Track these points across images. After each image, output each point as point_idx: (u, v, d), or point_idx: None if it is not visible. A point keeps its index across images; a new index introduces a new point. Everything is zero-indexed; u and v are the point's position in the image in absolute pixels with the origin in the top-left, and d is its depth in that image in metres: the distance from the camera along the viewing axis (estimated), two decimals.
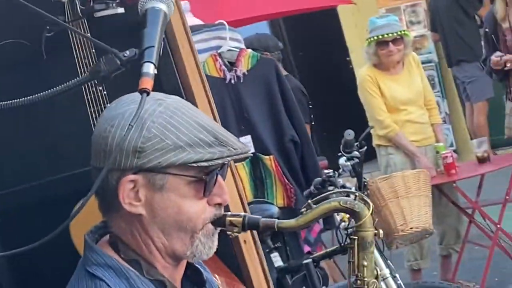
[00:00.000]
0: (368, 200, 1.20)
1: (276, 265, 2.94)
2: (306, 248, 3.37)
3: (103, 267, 1.12)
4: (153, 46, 1.08)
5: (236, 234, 1.19)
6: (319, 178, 2.90)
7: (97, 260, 1.13)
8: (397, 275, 2.89)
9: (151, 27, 1.14)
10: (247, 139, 3.22)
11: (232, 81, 3.39)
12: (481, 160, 4.27)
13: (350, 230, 2.03)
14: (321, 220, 3.26)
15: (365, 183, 3.16)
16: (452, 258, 4.16)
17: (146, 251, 1.12)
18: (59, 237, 1.07)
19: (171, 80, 2.23)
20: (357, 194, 1.18)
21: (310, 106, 4.71)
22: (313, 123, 4.66)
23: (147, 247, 1.13)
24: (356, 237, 1.13)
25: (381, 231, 1.60)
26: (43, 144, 2.39)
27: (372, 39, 4.09)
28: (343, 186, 3.03)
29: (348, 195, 1.22)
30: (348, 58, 8.94)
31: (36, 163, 2.45)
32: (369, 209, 1.13)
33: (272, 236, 3.05)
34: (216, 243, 1.18)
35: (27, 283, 2.46)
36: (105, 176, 1.04)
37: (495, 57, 4.24)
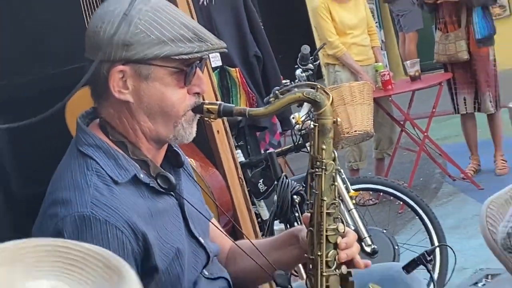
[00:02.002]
0: (328, 92, 1.26)
1: (238, 160, 2.81)
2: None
3: (93, 147, 1.19)
4: None
5: (213, 120, 1.34)
6: (278, 87, 2.81)
7: (88, 140, 1.19)
8: (342, 170, 2.94)
9: None
10: (216, 54, 3.13)
11: (205, 3, 3.37)
12: (413, 78, 4.50)
13: (312, 116, 2.05)
14: (279, 125, 3.52)
15: None
16: (385, 161, 4.48)
17: (132, 134, 1.19)
18: (55, 119, 1.24)
19: None
20: (318, 86, 1.27)
21: None
22: None
23: (133, 131, 1.19)
24: (317, 124, 1.23)
25: (339, 119, 1.63)
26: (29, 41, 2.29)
27: None
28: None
29: (311, 88, 1.28)
30: None
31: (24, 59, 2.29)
32: (328, 100, 1.22)
33: (236, 136, 3.09)
34: (195, 129, 1.27)
35: (24, 157, 2.49)
36: (97, 67, 1.10)
37: None
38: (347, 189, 2.99)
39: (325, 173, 1.27)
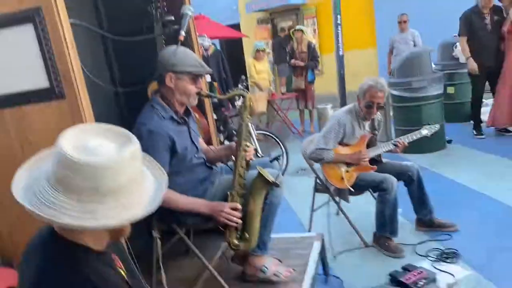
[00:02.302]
0: (248, 93, 2.42)
1: (213, 116, 3.37)
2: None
3: (156, 103, 2.23)
4: (184, 25, 2.44)
5: (204, 97, 2.60)
6: (230, 89, 3.38)
7: (154, 101, 2.25)
8: (252, 124, 6.54)
9: (184, 19, 2.47)
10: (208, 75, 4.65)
11: (205, 55, 5.57)
12: (283, 94, 8.24)
13: (242, 101, 2.41)
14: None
15: None
16: (271, 125, 7.41)
17: (172, 100, 2.24)
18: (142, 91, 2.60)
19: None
20: (246, 92, 2.48)
21: None
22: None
23: (172, 99, 2.23)
24: (243, 104, 2.35)
25: (252, 103, 4.76)
26: None
27: None
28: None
29: (243, 91, 2.47)
30: None
31: None
32: (248, 96, 2.36)
33: (214, 108, 4.26)
34: (196, 101, 2.34)
35: (126, 68, 2.90)
36: (162, 73, 2.17)
37: None
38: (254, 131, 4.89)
39: (245, 123, 2.33)
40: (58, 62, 1.76)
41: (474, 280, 2.66)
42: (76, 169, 0.99)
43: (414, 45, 6.85)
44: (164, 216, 2.31)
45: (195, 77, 2.23)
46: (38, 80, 1.78)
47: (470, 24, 5.14)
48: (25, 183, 1.06)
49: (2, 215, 1.98)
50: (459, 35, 5.35)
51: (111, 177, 1.01)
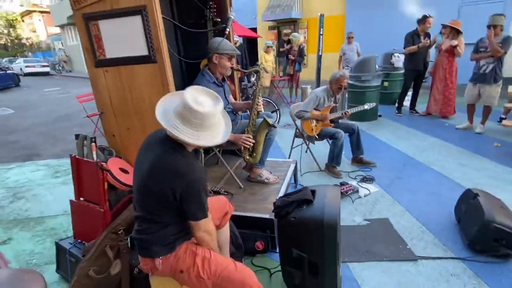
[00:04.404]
0: (261, 69, 2.35)
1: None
2: None
3: (205, 72, 2.24)
4: (229, 25, 2.41)
5: (236, 70, 2.42)
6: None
7: (204, 70, 2.25)
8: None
9: (229, 21, 2.43)
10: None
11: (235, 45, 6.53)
12: (283, 76, 8.08)
13: (256, 76, 2.38)
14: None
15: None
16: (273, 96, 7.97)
17: (215, 70, 2.22)
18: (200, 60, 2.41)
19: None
20: (259, 69, 2.34)
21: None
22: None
23: (216, 70, 2.22)
24: (257, 77, 2.34)
25: (263, 77, 5.44)
26: None
27: None
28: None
29: (257, 68, 2.36)
30: None
31: None
32: (260, 72, 2.33)
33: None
34: (230, 72, 2.28)
35: (187, 45, 2.69)
36: (210, 54, 2.16)
37: None
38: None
39: (258, 88, 2.32)
40: (154, 39, 1.79)
41: (379, 193, 2.87)
42: (192, 112, 1.13)
43: (357, 52, 6.53)
44: None
45: (230, 57, 2.25)
46: (142, 50, 1.82)
47: (412, 41, 4.94)
48: (162, 110, 1.17)
49: (116, 127, 2.01)
50: (404, 47, 5.06)
51: (209, 119, 1.14)
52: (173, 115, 1.14)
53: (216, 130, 1.17)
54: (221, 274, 1.24)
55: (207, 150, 2.80)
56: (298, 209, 1.48)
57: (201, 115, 1.12)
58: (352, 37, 6.76)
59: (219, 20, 2.53)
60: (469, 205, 2.13)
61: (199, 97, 1.17)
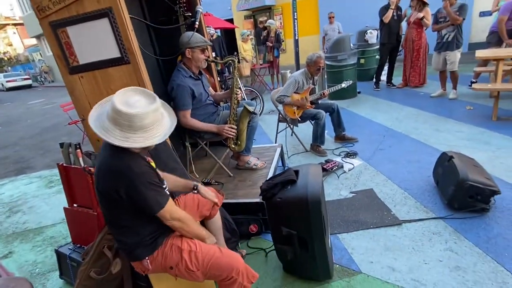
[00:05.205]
0: (236, 59, 2.33)
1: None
2: None
3: (181, 68, 2.20)
4: (197, 18, 2.24)
5: (210, 62, 2.41)
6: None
7: (180, 66, 2.21)
8: (240, 80, 6.50)
9: (197, 14, 2.28)
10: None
11: (211, 39, 5.83)
12: (266, 63, 7.91)
13: (233, 64, 2.34)
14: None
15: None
16: (255, 83, 7.57)
17: (190, 65, 2.17)
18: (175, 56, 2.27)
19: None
20: (235, 58, 2.29)
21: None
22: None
23: (191, 65, 2.17)
24: (234, 65, 2.31)
25: (240, 65, 5.02)
26: None
27: None
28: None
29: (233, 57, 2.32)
30: None
31: None
32: (236, 61, 2.29)
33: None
34: (205, 65, 2.24)
35: (163, 46, 2.59)
36: (183, 49, 2.11)
37: None
38: (243, 87, 4.98)
39: (235, 77, 2.34)
40: (124, 40, 1.75)
41: (363, 166, 2.93)
42: (119, 114, 1.08)
43: (339, 32, 6.52)
44: (191, 134, 2.50)
45: (203, 49, 2.20)
46: (114, 52, 1.78)
47: (386, 12, 4.87)
48: (95, 115, 1.15)
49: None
50: (381, 19, 4.93)
51: (139, 121, 1.08)
52: (105, 118, 1.11)
53: (153, 130, 1.10)
54: (209, 263, 1.26)
55: (195, 143, 2.78)
56: (283, 190, 1.49)
57: (128, 117, 1.07)
58: (333, 17, 6.65)
59: (190, 14, 2.48)
60: (445, 167, 2.18)
61: (131, 98, 1.11)
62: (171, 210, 1.19)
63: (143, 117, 1.08)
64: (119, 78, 1.87)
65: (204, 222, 1.55)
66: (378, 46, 5.70)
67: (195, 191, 1.43)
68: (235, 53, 5.75)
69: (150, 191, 1.12)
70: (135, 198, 1.12)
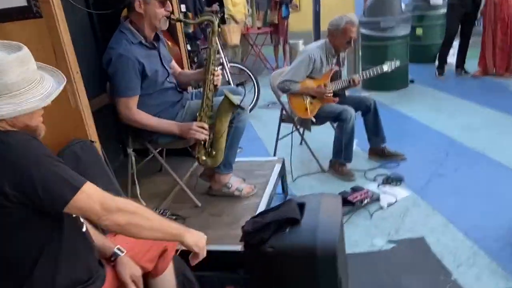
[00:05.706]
0: (216, 18, 2.38)
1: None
2: None
3: (126, 29, 2.22)
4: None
5: (173, 22, 2.35)
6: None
7: (124, 26, 2.23)
8: (221, 49, 6.57)
9: None
10: None
11: None
12: (259, 27, 7.87)
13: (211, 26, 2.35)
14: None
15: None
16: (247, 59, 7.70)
17: (142, 25, 2.20)
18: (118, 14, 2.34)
19: None
20: (214, 16, 2.37)
21: None
22: None
23: (142, 24, 2.20)
24: (210, 29, 2.32)
25: (220, 29, 4.76)
26: None
27: None
28: None
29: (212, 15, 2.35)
30: None
31: None
32: (216, 21, 2.32)
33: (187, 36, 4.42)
34: (167, 25, 2.30)
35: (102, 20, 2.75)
36: (133, 2, 2.14)
37: None
38: (227, 62, 4.98)
39: (213, 48, 2.33)
40: None
41: (411, 200, 2.96)
42: None
43: None
44: (138, 135, 2.49)
45: (163, 1, 2.22)
46: None
47: None
48: None
49: None
50: None
51: None
52: None
53: (26, 94, 1.13)
54: None
55: (143, 151, 2.77)
56: (279, 234, 1.49)
57: None
58: None
59: None
60: None
61: None
62: (100, 195, 1.17)
63: (1, 70, 1.09)
64: (23, 39, 1.79)
65: (145, 282, 1.53)
66: (445, 10, 5.78)
67: (112, 263, 1.43)
68: (218, 8, 5.76)
69: (53, 170, 1.12)
70: (36, 186, 1.08)
